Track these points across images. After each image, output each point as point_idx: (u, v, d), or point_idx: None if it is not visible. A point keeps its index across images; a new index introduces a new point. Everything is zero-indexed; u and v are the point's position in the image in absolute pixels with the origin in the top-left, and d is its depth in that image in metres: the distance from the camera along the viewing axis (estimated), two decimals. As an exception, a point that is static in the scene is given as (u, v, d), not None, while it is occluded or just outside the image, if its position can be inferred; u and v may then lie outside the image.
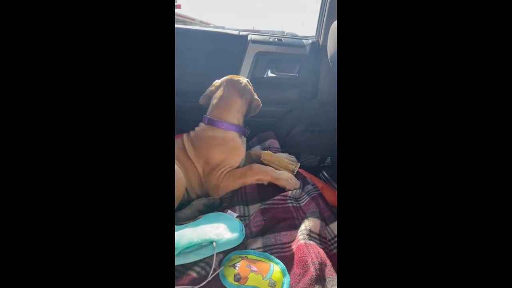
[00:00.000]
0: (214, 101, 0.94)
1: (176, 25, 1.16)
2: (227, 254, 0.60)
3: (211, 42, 1.16)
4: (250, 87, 0.95)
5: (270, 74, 1.21)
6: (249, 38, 1.14)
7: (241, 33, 1.17)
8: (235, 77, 0.95)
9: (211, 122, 0.90)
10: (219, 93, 0.93)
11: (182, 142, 0.89)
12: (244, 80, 0.95)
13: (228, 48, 1.15)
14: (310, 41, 1.22)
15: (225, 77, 0.96)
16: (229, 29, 1.24)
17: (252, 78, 1.17)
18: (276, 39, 1.18)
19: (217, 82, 0.97)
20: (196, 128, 0.93)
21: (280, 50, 1.18)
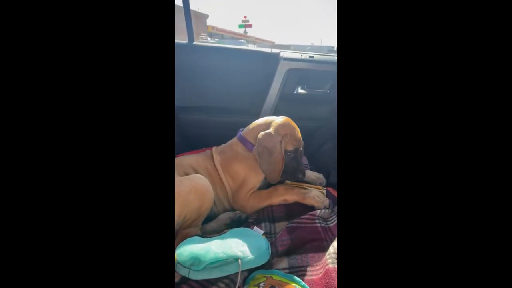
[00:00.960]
0: (254, 124, 0.92)
1: (213, 44, 1.22)
2: (251, 273, 0.59)
3: (245, 59, 1.19)
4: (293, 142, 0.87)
5: (300, 90, 1.21)
6: (281, 55, 1.16)
7: (273, 50, 1.20)
8: (288, 123, 0.89)
9: (242, 139, 0.91)
10: (275, 119, 0.89)
11: (211, 153, 0.91)
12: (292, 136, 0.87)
13: (260, 65, 1.18)
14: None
15: (283, 119, 0.89)
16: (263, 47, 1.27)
17: (282, 94, 1.18)
18: (308, 56, 1.19)
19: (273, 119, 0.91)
20: (228, 142, 0.95)
21: (312, 67, 1.18)
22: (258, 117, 1.21)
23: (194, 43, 1.17)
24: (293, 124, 0.90)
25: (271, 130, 0.85)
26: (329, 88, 1.21)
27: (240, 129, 0.94)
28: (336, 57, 1.21)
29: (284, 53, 1.17)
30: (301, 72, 1.18)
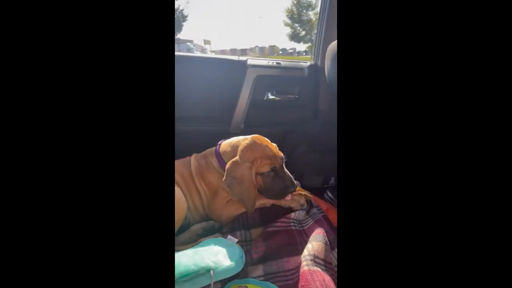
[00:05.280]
0: (229, 143, 0.85)
1: (180, 53, 1.20)
2: (226, 283, 0.57)
3: (212, 68, 1.19)
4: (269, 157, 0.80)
5: (270, 96, 1.22)
6: (248, 62, 1.17)
7: (240, 58, 1.20)
8: (256, 143, 0.80)
9: (217, 155, 0.85)
10: (242, 141, 0.82)
11: (190, 161, 0.88)
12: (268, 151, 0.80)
13: (228, 73, 1.18)
14: (308, 63, 1.24)
15: (249, 140, 0.81)
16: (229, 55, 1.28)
17: (252, 101, 1.19)
18: (275, 63, 1.21)
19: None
20: (207, 150, 0.91)
21: (279, 73, 1.20)
22: (229, 125, 1.21)
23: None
24: (264, 141, 0.82)
25: (237, 157, 0.77)
26: (298, 93, 1.24)
27: (221, 141, 0.89)
28: (301, 63, 1.25)
29: (251, 61, 1.19)
30: (269, 79, 1.19)
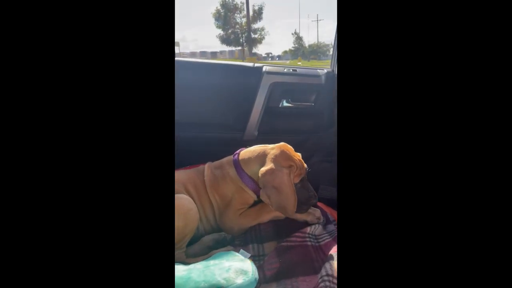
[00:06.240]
0: (250, 151, 0.82)
1: (195, 59, 1.21)
2: (237, 302, 0.53)
3: (226, 74, 1.18)
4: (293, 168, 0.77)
5: (285, 104, 1.20)
6: (263, 69, 1.15)
7: (256, 64, 1.19)
8: (286, 151, 0.78)
9: (236, 164, 0.82)
10: (270, 150, 0.79)
11: (203, 170, 0.85)
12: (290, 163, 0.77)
13: (243, 79, 1.17)
14: (325, 70, 1.21)
15: (279, 149, 0.79)
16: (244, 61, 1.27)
17: (267, 108, 1.16)
18: (291, 70, 1.19)
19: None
20: (223, 160, 0.87)
21: (295, 80, 1.18)
22: (243, 132, 1.19)
23: (176, 59, 1.15)
24: (291, 149, 0.80)
25: (271, 165, 0.74)
26: (314, 101, 1.21)
27: (239, 150, 0.86)
28: (318, 70, 1.22)
29: (267, 67, 1.17)
30: (285, 86, 1.17)
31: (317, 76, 1.19)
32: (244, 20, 18.66)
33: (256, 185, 0.79)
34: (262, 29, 19.08)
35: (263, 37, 19.40)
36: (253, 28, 18.89)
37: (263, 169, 0.74)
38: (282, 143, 0.82)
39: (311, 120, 1.24)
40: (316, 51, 23.16)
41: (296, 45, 23.37)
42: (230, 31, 18.37)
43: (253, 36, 19.04)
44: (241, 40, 18.91)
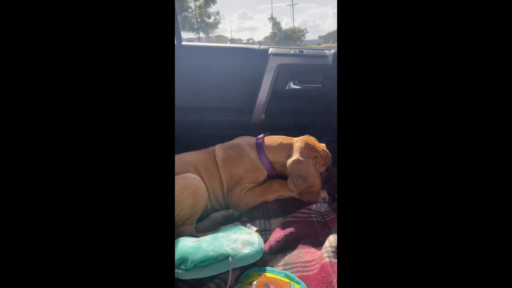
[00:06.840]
0: (273, 140, 0.87)
1: (201, 44, 1.21)
2: (244, 271, 0.56)
3: (232, 57, 1.18)
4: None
5: (292, 86, 1.19)
6: (269, 51, 1.14)
7: (262, 47, 1.18)
8: (311, 144, 0.84)
9: (259, 147, 0.86)
10: (295, 143, 0.84)
11: (214, 150, 0.88)
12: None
13: (250, 62, 1.17)
14: (333, 51, 1.19)
15: (303, 142, 0.84)
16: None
17: (274, 91, 1.16)
18: (298, 51, 1.17)
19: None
20: (237, 140, 0.91)
21: (302, 62, 1.17)
22: (250, 115, 1.20)
23: (182, 43, 1.15)
24: (315, 141, 0.86)
25: (297, 156, 0.80)
26: (321, 82, 1.19)
27: (263, 134, 0.89)
28: (325, 50, 1.20)
29: (273, 49, 1.16)
30: (291, 68, 1.16)
31: (324, 56, 1.17)
32: (197, 3, 17.91)
33: (273, 169, 0.86)
34: (217, 13, 18.43)
35: (219, 21, 18.75)
36: (207, 12, 18.18)
37: (290, 160, 0.80)
38: (305, 136, 0.89)
39: (319, 102, 1.23)
40: (291, 36, 22.47)
41: (274, 31, 22.75)
42: (182, 14, 17.43)
43: (207, 20, 18.37)
44: (195, 25, 18.19)
